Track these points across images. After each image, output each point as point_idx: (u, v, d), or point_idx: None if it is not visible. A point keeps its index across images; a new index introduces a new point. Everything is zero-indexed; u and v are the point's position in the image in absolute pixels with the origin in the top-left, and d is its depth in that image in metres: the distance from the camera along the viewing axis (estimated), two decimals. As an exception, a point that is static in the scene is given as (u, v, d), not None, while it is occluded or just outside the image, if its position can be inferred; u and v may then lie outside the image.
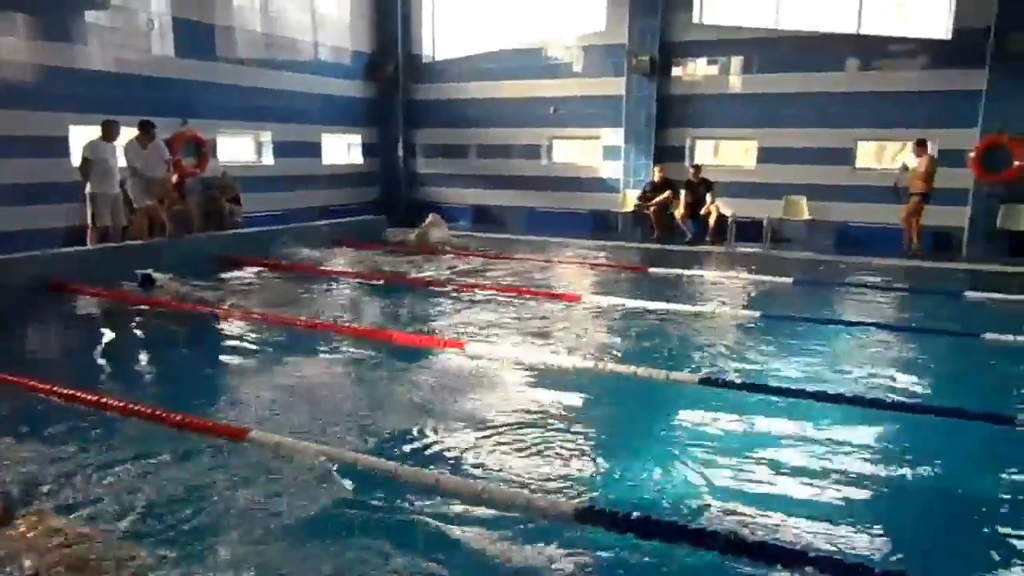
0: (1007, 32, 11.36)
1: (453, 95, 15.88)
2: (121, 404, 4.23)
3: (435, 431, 4.15)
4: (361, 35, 15.76)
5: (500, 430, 4.14)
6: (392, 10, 15.87)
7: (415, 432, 4.13)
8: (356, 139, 16.17)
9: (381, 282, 8.93)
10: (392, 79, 16.00)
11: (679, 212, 12.96)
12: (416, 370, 5.27)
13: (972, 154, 11.83)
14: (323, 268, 9.74)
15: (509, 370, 5.24)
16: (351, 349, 5.83)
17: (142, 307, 7.08)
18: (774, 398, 4.68)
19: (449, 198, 16.28)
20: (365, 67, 15.90)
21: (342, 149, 16.14)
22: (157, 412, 4.11)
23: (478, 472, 3.62)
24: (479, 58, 15.50)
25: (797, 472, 3.68)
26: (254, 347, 5.91)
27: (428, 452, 3.87)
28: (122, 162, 9.47)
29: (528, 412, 4.44)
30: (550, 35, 14.94)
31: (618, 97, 14.17)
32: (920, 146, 11.49)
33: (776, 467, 3.72)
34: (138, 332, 6.52)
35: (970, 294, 8.38)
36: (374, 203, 16.00)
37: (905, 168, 11.80)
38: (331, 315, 6.97)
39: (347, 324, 6.58)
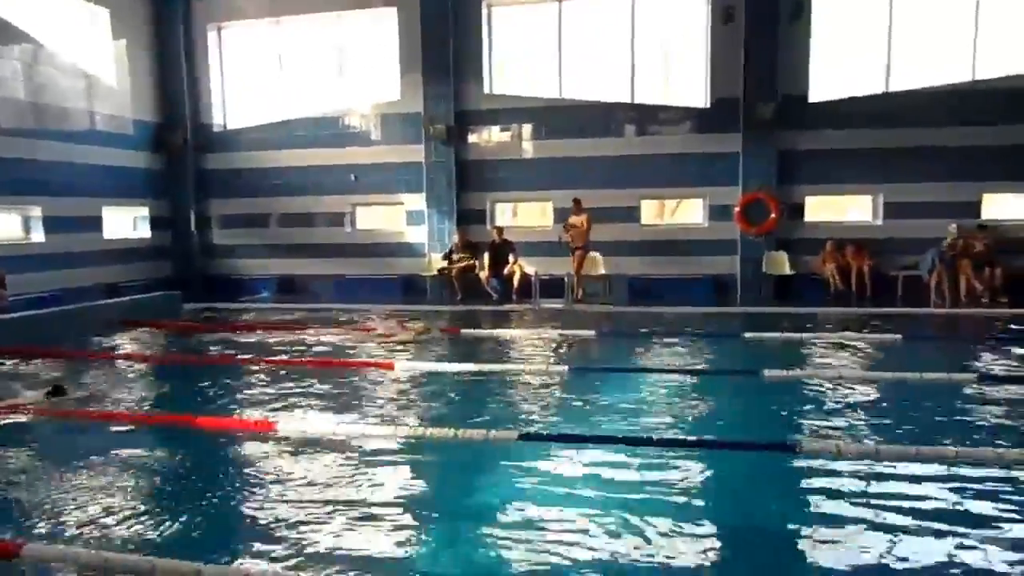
0: (753, 102, 13.01)
1: (249, 164, 15.44)
2: None
3: (246, 520, 3.91)
4: (145, 104, 14.98)
5: (317, 511, 3.98)
6: (178, 78, 15.27)
7: (223, 524, 3.88)
8: (143, 212, 15.19)
9: (180, 363, 8.34)
10: (181, 149, 15.29)
11: (483, 273, 13.35)
12: (223, 456, 4.96)
13: (736, 209, 13.31)
14: (110, 351, 8.94)
15: (325, 446, 5.06)
16: (148, 438, 5.37)
17: None
18: (589, 446, 4.90)
19: (250, 269, 15.68)
20: (151, 137, 15.09)
21: (127, 223, 15.08)
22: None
23: (295, 560, 3.44)
24: (275, 127, 15.25)
25: (618, 519, 3.83)
26: (30, 446, 5.26)
27: (241, 545, 3.63)
28: None
29: (347, 488, 4.31)
30: (347, 104, 15.04)
31: (418, 163, 14.47)
32: (577, 204, 12.73)
33: (598, 517, 3.86)
34: None
35: (748, 335, 9.30)
36: (168, 278, 15.03)
37: (567, 226, 12.96)
38: (122, 402, 6.39)
39: (141, 411, 6.06)
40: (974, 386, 6.49)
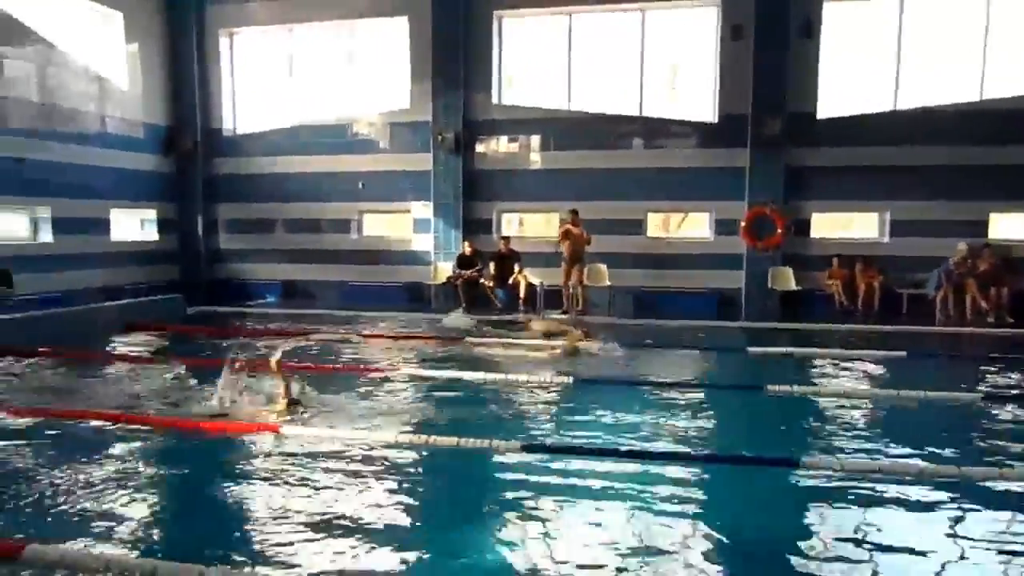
0: (761, 118, 13.03)
1: (257, 169, 15.52)
2: None
3: (252, 525, 3.91)
4: (156, 108, 15.08)
5: (318, 516, 3.97)
6: (189, 83, 15.38)
7: (231, 530, 3.88)
8: (151, 215, 15.28)
9: (184, 366, 8.34)
10: (190, 153, 15.38)
11: (489, 283, 13.38)
12: (227, 458, 4.96)
13: (743, 224, 13.30)
14: (115, 353, 8.96)
15: (327, 449, 5.06)
16: (152, 441, 5.37)
17: None
18: (592, 459, 4.89)
19: (256, 274, 15.72)
20: (161, 141, 15.19)
21: (135, 225, 15.16)
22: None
23: (299, 568, 3.43)
24: (284, 132, 15.33)
25: (620, 533, 3.82)
26: (31, 447, 5.27)
27: (246, 549, 3.62)
28: None
29: (348, 493, 4.31)
30: (356, 111, 15.11)
31: (426, 172, 14.52)
32: (575, 214, 12.62)
33: (601, 531, 3.85)
34: None
35: (752, 349, 9.28)
36: (174, 282, 15.07)
37: (569, 232, 12.78)
38: (127, 405, 6.39)
39: (145, 414, 6.05)
40: (978, 404, 6.47)
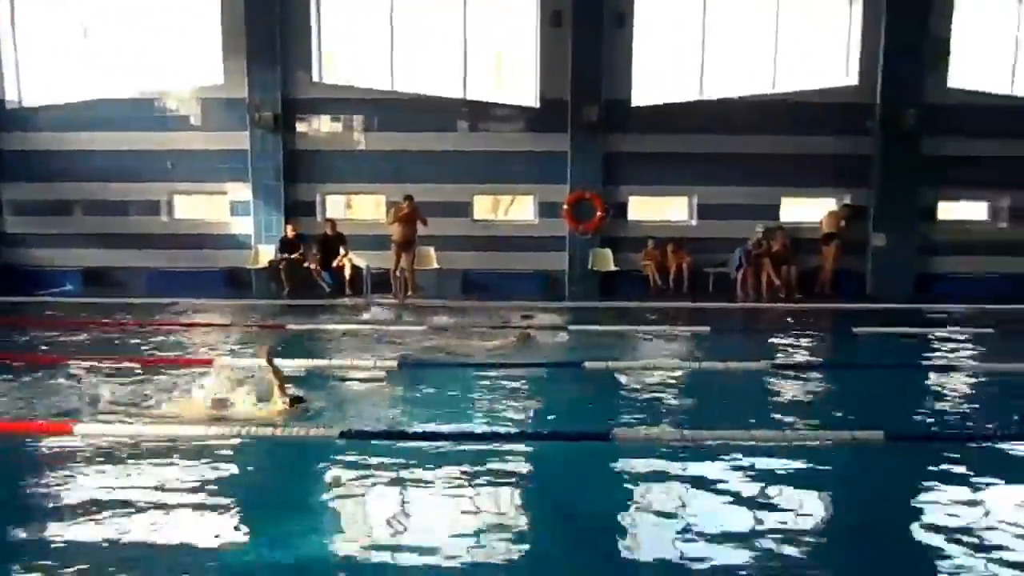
0: (580, 104, 13.49)
1: (50, 145, 14.09)
2: None
3: (34, 531, 3.58)
4: (-81, 74, 13.27)
5: (116, 517, 3.70)
6: (-39, 47, 13.65)
7: (20, 538, 3.56)
8: (-81, 196, 13.48)
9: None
10: (-34, 126, 13.69)
11: (313, 267, 13.01)
12: (11, 462, 4.51)
13: (565, 207, 13.77)
14: None
15: (129, 449, 4.72)
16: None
17: None
18: (413, 443, 4.90)
19: (52, 261, 14.33)
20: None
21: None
22: None
23: (107, 570, 3.19)
24: (82, 106, 14.00)
25: (439, 514, 3.87)
26: None
27: (30, 560, 3.31)
28: None
29: (153, 492, 4.04)
30: (164, 85, 14.07)
31: (243, 151, 13.82)
32: (410, 199, 12.79)
33: (418, 512, 3.89)
34: None
35: (573, 328, 9.66)
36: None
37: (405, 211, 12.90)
38: None
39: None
40: (768, 373, 7.11)
